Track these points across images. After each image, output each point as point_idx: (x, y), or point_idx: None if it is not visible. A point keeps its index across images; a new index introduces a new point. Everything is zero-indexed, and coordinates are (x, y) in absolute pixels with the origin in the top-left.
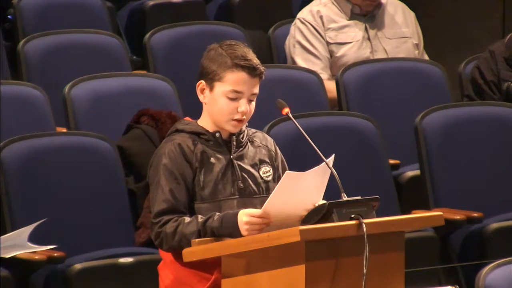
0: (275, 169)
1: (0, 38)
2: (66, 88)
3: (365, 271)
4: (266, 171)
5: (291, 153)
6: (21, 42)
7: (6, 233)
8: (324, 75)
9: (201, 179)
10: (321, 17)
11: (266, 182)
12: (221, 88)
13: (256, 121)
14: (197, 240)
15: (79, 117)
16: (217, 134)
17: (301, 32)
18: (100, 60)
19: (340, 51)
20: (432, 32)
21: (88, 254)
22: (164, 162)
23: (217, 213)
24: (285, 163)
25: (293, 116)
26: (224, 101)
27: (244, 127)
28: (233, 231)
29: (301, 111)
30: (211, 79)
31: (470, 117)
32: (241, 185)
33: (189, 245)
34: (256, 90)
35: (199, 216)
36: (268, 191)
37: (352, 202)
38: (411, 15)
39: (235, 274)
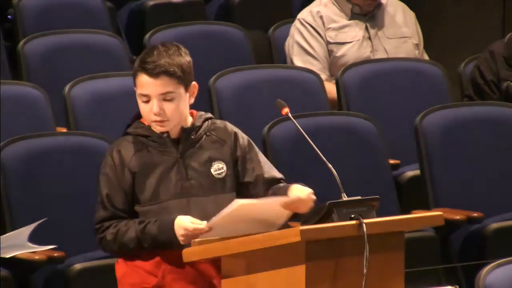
0: (232, 163)
1: (0, 38)
2: (66, 88)
3: (365, 271)
4: (218, 168)
5: (291, 153)
6: (21, 42)
7: (6, 233)
8: (322, 76)
9: (142, 183)
10: (321, 17)
11: (220, 179)
12: (137, 92)
13: (256, 121)
14: (197, 240)
15: (79, 117)
16: (165, 135)
17: (300, 33)
18: (100, 60)
19: (340, 51)
20: (432, 32)
21: (88, 254)
22: (103, 170)
23: (154, 219)
24: (254, 154)
25: (293, 116)
26: (140, 104)
27: (201, 122)
28: (173, 238)
29: (301, 111)
30: (134, 83)
31: (470, 117)
32: (187, 184)
33: (130, 252)
34: (167, 89)
35: (137, 221)
36: (224, 189)
37: (352, 202)
38: (411, 15)
39: (235, 274)
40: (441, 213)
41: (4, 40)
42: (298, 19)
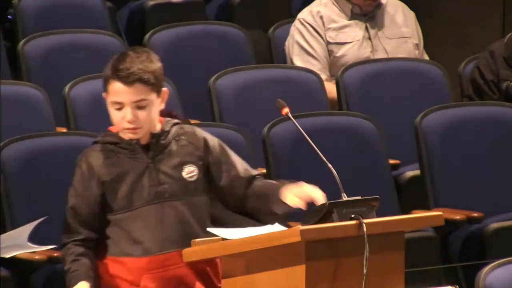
0: (203, 167)
1: (0, 38)
2: (66, 88)
3: (365, 271)
4: (190, 172)
5: (291, 153)
6: (21, 42)
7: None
8: (323, 76)
9: (114, 191)
10: (321, 17)
11: (192, 182)
12: (108, 99)
13: (256, 121)
14: (197, 240)
15: (79, 117)
16: (134, 141)
17: (300, 33)
18: (100, 60)
19: (340, 51)
20: (432, 32)
21: None
22: (72, 182)
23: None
24: (227, 156)
25: (293, 116)
26: (112, 112)
27: (169, 127)
28: None
29: (301, 111)
30: (104, 89)
31: (470, 117)
32: (160, 189)
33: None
34: (140, 96)
35: (74, 268)
36: (197, 191)
37: (352, 202)
38: (411, 15)
39: (235, 274)
40: (441, 213)
41: (4, 40)
42: (298, 19)
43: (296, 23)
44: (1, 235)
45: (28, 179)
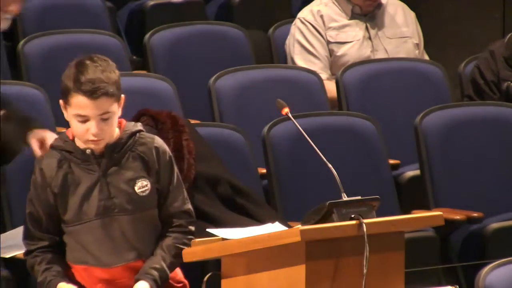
0: (155, 180)
1: (0, 38)
2: None
3: (365, 271)
4: (142, 186)
5: (291, 153)
6: (21, 42)
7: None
8: (324, 75)
9: (64, 203)
10: (321, 17)
11: (145, 197)
12: (70, 111)
13: (256, 121)
14: (197, 240)
15: None
16: (88, 151)
17: (301, 32)
18: None
19: (341, 50)
20: (432, 32)
21: None
22: (30, 186)
23: (52, 277)
24: (173, 172)
25: (293, 116)
26: (75, 124)
27: (126, 137)
28: None
29: (301, 111)
30: (64, 99)
31: (470, 117)
32: (109, 203)
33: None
34: (105, 109)
35: (49, 278)
36: (148, 205)
37: (352, 202)
38: (411, 15)
39: (235, 274)
40: (441, 213)
41: (4, 40)
42: (299, 18)
43: (297, 22)
44: (1, 235)
45: (28, 179)
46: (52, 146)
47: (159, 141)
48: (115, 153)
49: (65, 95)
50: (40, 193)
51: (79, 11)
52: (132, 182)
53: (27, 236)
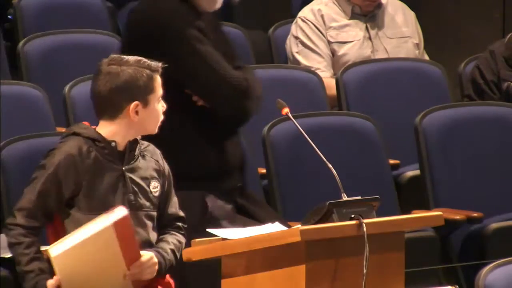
0: (163, 183)
1: (0, 38)
2: (66, 88)
3: (365, 271)
4: (155, 186)
5: (291, 153)
6: (21, 42)
7: None
8: (327, 73)
9: (90, 189)
10: (322, 16)
11: (156, 197)
12: (154, 97)
13: (256, 121)
14: (197, 240)
15: (79, 117)
16: (113, 144)
17: (303, 30)
18: (100, 60)
19: (341, 50)
20: (432, 32)
21: None
22: (49, 167)
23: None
24: (171, 178)
25: (293, 116)
26: (158, 109)
27: (137, 139)
28: None
29: (301, 111)
30: (143, 94)
31: (470, 117)
32: (132, 198)
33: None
34: None
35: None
36: (156, 206)
37: (352, 202)
38: (411, 15)
39: (235, 274)
40: (441, 213)
41: (4, 40)
42: (299, 17)
43: (298, 20)
44: (1, 235)
45: (28, 179)
46: (75, 133)
47: (156, 149)
48: (132, 151)
49: (146, 86)
50: (63, 178)
51: (79, 11)
52: (148, 181)
53: (26, 213)
